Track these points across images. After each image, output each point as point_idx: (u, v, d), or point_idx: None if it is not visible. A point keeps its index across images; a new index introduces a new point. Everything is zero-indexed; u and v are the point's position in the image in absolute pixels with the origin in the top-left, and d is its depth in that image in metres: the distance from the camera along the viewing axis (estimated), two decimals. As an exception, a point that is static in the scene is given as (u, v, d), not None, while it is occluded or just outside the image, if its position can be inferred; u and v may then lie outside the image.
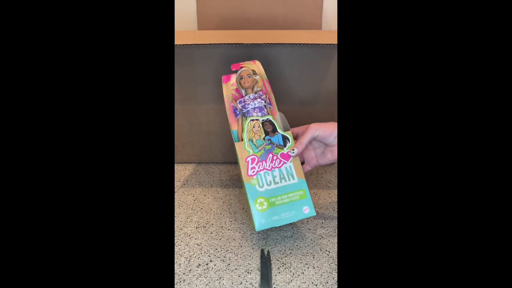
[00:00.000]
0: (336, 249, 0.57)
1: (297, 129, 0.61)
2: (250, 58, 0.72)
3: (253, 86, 0.61)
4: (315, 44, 0.68)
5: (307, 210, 0.55)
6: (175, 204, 0.70)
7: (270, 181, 0.56)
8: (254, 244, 0.59)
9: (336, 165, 0.80)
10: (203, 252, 0.57)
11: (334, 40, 0.66)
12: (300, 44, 0.69)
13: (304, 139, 0.57)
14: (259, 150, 0.57)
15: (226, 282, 0.52)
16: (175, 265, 0.55)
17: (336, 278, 0.53)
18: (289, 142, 0.58)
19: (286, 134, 0.58)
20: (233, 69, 0.63)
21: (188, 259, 0.56)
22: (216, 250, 0.57)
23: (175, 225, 0.64)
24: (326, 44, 0.69)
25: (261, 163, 0.56)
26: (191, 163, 0.85)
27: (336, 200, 0.69)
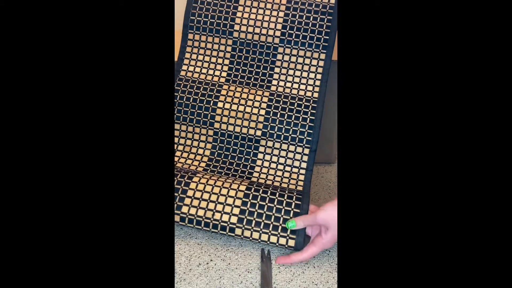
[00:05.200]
0: (336, 248, 0.57)
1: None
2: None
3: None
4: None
5: None
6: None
7: None
8: (254, 243, 0.59)
9: (336, 165, 0.80)
10: (203, 251, 0.57)
11: (334, 56, 0.67)
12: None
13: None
14: None
15: (227, 282, 0.52)
16: (176, 264, 0.55)
17: (336, 278, 0.53)
18: None
19: None
20: None
21: (189, 258, 0.56)
22: (216, 250, 0.57)
23: (175, 224, 0.64)
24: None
25: None
26: (192, 162, 0.85)
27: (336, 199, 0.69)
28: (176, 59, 0.70)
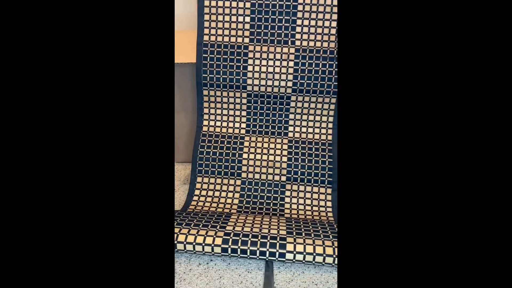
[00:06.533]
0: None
1: None
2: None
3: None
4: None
5: None
6: (175, 203, 0.70)
7: None
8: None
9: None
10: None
11: None
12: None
13: None
14: None
15: (227, 282, 0.52)
16: (176, 264, 0.55)
17: (336, 278, 0.53)
18: None
19: None
20: None
21: (189, 258, 0.56)
22: (216, 250, 0.57)
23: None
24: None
25: None
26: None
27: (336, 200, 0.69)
28: (176, 64, 0.71)
